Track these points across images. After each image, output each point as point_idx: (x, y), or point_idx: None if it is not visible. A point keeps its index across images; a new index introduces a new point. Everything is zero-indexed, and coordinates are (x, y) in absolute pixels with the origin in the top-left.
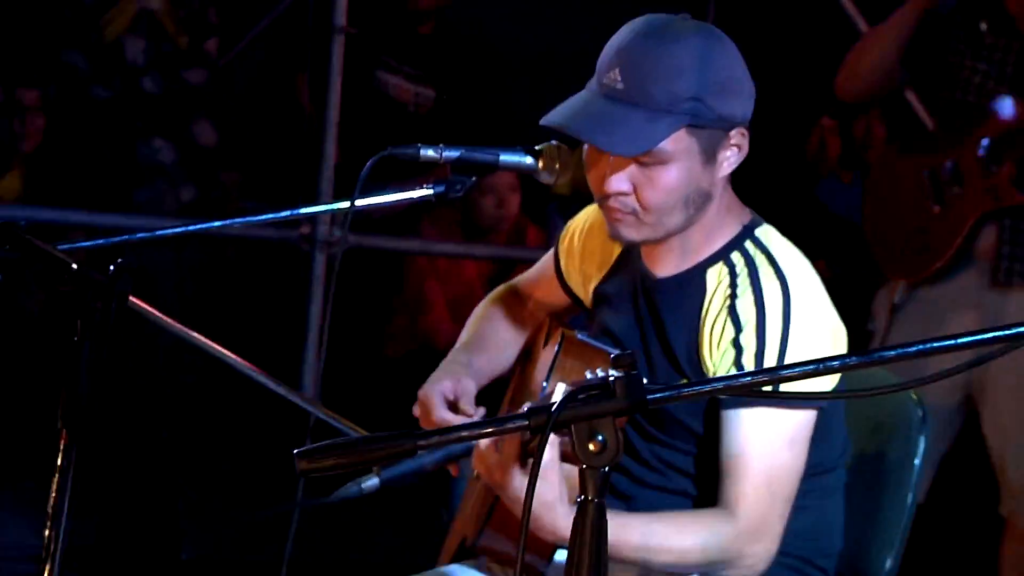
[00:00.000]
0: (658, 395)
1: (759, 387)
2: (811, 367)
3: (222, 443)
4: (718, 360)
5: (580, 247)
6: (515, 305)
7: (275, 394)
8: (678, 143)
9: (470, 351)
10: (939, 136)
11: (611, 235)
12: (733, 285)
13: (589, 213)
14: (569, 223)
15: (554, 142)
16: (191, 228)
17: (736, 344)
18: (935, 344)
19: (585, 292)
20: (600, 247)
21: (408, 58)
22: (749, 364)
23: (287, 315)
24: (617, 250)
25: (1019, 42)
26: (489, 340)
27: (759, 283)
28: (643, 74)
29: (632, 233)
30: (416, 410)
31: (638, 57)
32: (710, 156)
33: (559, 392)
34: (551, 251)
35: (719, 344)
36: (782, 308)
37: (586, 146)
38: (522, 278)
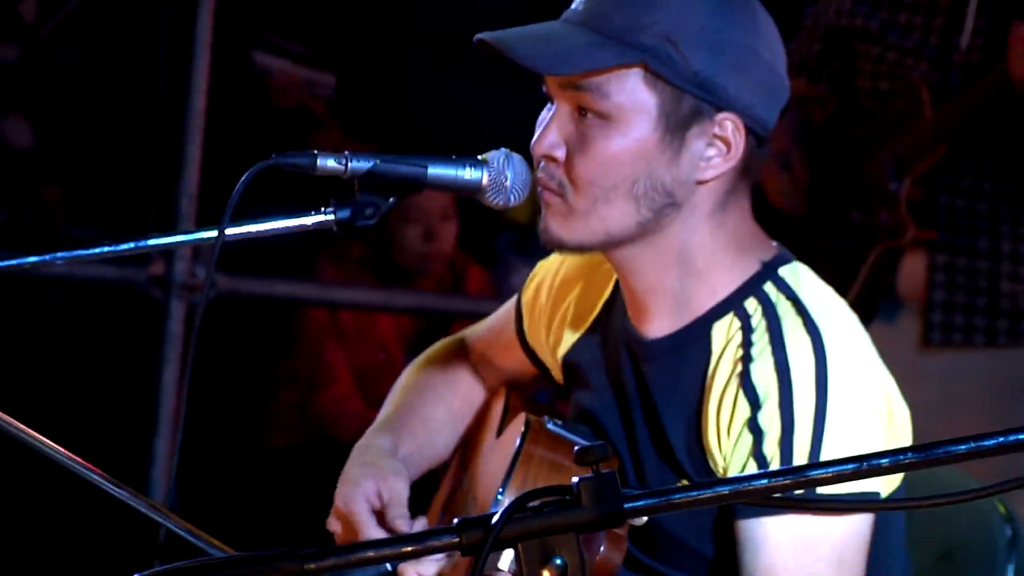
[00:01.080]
0: (640, 503)
1: (786, 492)
2: (854, 466)
3: (40, 561)
4: (730, 450)
5: (550, 300)
6: (459, 368)
7: (113, 498)
8: (630, 94)
9: (395, 433)
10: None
11: (539, 231)
12: (747, 344)
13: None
14: (539, 266)
15: (504, 150)
16: None
17: (753, 427)
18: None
19: (554, 360)
20: (577, 300)
21: (296, 32)
22: (773, 455)
23: (131, 386)
24: (599, 304)
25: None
26: (420, 417)
27: (782, 340)
28: None
29: (559, 227)
30: (333, 524)
31: None
32: (675, 132)
33: None
34: (512, 301)
35: (729, 428)
36: (815, 374)
37: (541, 115)
38: (472, 332)
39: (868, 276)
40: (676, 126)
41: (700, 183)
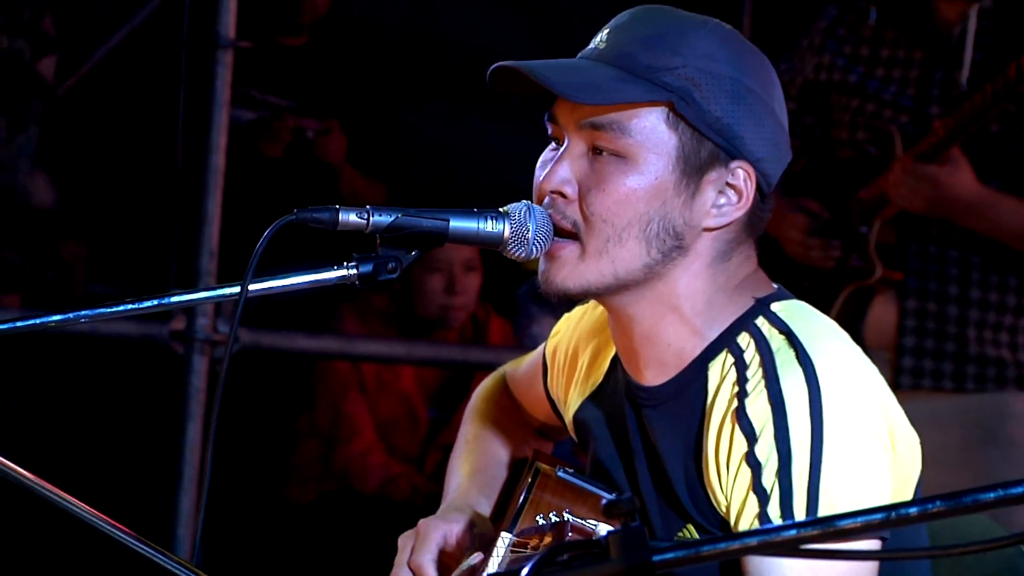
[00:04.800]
0: (669, 555)
1: (809, 543)
2: (882, 515)
3: None
4: (729, 486)
5: (568, 359)
6: (513, 417)
7: (139, 555)
8: (652, 132)
9: (478, 487)
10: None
11: (541, 289)
12: (742, 380)
13: (586, 309)
14: (561, 320)
15: (526, 202)
16: (20, 325)
17: (751, 460)
18: None
19: (568, 419)
20: (589, 360)
21: (275, 84)
22: (772, 486)
23: (154, 442)
24: (606, 363)
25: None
26: (495, 469)
27: (775, 372)
28: (634, 36)
29: (567, 276)
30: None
31: (630, 21)
32: (692, 176)
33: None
34: (539, 352)
35: (728, 464)
36: (808, 404)
37: (544, 155)
38: (512, 378)
39: (837, 318)
40: (694, 169)
41: (707, 230)
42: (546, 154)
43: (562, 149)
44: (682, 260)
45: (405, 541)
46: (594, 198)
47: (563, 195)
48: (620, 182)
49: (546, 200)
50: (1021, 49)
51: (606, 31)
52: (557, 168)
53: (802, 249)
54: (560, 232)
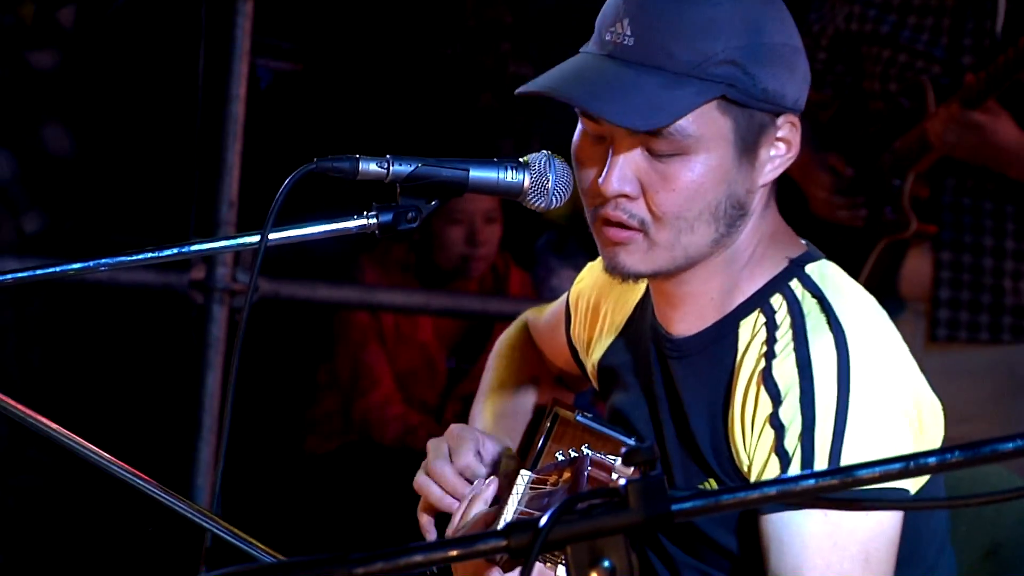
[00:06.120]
0: (687, 504)
1: (830, 493)
2: (900, 465)
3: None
4: (752, 445)
5: (592, 305)
6: (534, 362)
7: (158, 502)
8: (707, 123)
9: (503, 434)
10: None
11: (607, 267)
12: (771, 340)
13: None
14: (585, 269)
15: (546, 152)
16: (38, 272)
17: (775, 422)
18: None
19: (591, 364)
20: (613, 307)
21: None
22: (795, 450)
23: (173, 392)
24: (632, 307)
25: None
26: (519, 420)
27: (805, 337)
28: (662, 25)
29: (638, 261)
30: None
31: (656, 4)
32: (750, 149)
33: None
34: (563, 300)
35: (752, 424)
36: (837, 371)
37: (576, 137)
38: (535, 325)
39: (872, 271)
40: (751, 144)
41: (763, 186)
42: (584, 145)
43: (612, 151)
44: (743, 223)
45: (437, 444)
46: (663, 198)
47: (627, 196)
48: (685, 178)
49: (609, 205)
50: None
51: (627, 20)
52: (614, 174)
53: (828, 208)
54: (626, 227)
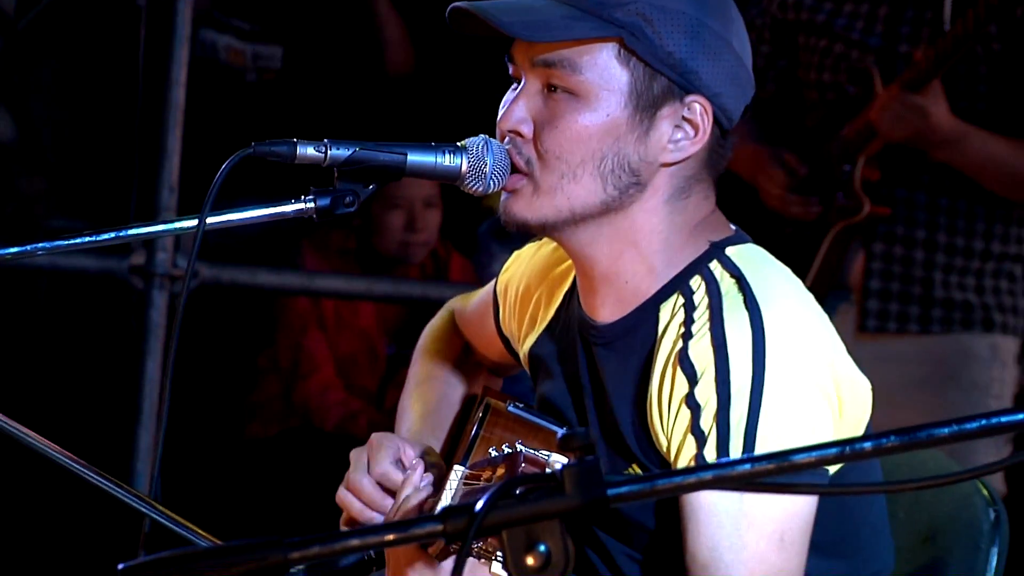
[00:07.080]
0: (623, 489)
1: (762, 478)
2: (836, 450)
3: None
4: (670, 426)
5: (521, 293)
6: (463, 358)
7: (97, 487)
8: (603, 70)
9: (431, 429)
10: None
11: (501, 214)
12: (688, 321)
13: (539, 246)
14: (513, 256)
15: (483, 136)
16: None
17: (691, 402)
18: (1005, 419)
19: (523, 355)
20: (547, 292)
21: (238, 7)
22: (710, 429)
23: (113, 378)
24: (560, 297)
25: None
26: (447, 413)
27: (720, 316)
28: None
29: (524, 208)
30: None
31: None
32: (646, 112)
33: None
34: (489, 289)
35: (669, 404)
36: (751, 350)
37: (506, 96)
38: (461, 315)
39: (824, 259)
40: (647, 105)
41: (665, 165)
42: (508, 94)
43: (519, 88)
44: (640, 196)
45: (358, 455)
46: (547, 135)
47: (520, 134)
48: (572, 119)
49: (506, 139)
50: None
51: None
52: (513, 108)
53: (781, 204)
54: (517, 169)
